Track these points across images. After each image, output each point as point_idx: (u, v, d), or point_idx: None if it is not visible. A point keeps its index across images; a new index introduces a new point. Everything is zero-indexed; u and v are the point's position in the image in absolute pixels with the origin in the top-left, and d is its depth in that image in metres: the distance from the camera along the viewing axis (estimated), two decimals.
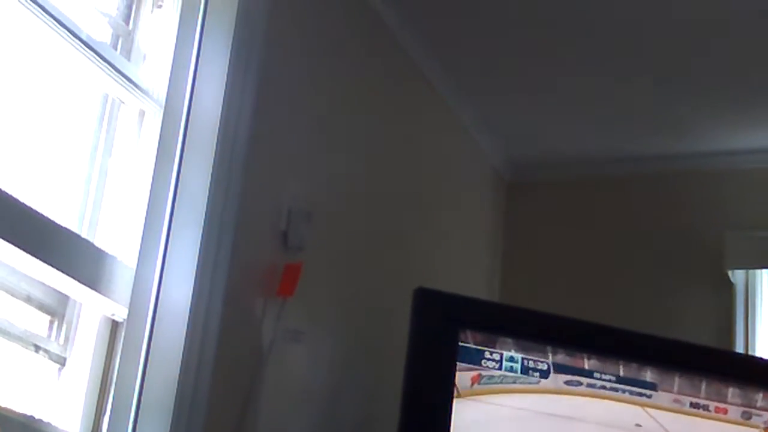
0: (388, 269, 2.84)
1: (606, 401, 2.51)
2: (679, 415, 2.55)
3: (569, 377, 2.49)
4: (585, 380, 2.50)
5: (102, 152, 2.11)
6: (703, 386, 2.58)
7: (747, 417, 2.58)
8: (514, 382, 2.45)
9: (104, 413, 2.00)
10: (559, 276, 3.48)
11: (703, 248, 3.36)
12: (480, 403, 2.42)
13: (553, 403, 2.48)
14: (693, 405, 2.57)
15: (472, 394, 2.41)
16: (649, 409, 2.54)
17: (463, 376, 2.40)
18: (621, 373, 2.52)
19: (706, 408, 2.57)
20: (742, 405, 2.58)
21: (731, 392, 2.59)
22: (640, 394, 2.53)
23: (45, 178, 1.97)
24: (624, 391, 2.52)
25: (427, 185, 3.12)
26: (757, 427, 2.57)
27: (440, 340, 2.41)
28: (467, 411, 2.40)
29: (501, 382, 2.44)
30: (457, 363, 2.39)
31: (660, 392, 2.55)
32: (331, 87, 2.59)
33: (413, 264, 2.97)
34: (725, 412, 2.58)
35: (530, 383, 2.46)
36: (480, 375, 2.43)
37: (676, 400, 2.56)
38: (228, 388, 2.12)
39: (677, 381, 2.56)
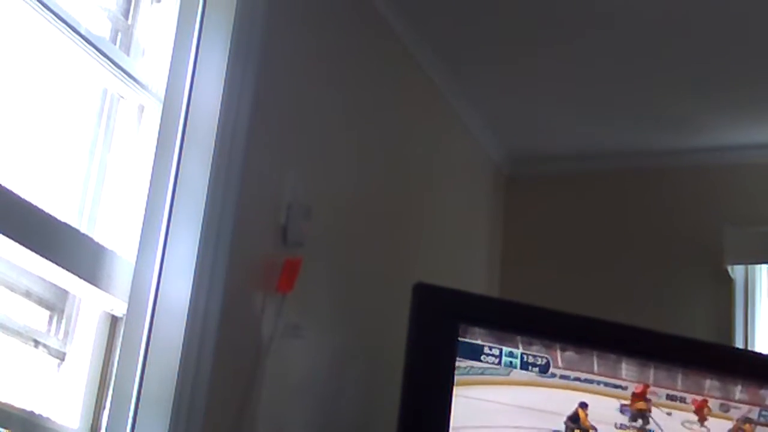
0: (388, 264, 2.83)
1: (583, 393, 2.50)
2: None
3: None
4: (558, 372, 2.47)
5: (101, 147, 2.11)
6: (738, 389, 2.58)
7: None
8: (482, 373, 2.42)
9: (104, 408, 2.01)
10: (558, 271, 3.48)
11: (702, 243, 3.36)
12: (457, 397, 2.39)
13: (528, 395, 2.45)
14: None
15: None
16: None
17: None
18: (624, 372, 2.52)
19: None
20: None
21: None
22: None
23: (44, 173, 1.96)
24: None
25: (426, 180, 3.12)
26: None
27: (439, 335, 2.40)
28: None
29: (468, 373, 2.41)
30: (457, 358, 2.39)
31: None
32: (330, 82, 2.59)
33: (412, 259, 2.97)
34: None
35: (500, 374, 2.43)
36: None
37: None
38: (227, 383, 2.12)
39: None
